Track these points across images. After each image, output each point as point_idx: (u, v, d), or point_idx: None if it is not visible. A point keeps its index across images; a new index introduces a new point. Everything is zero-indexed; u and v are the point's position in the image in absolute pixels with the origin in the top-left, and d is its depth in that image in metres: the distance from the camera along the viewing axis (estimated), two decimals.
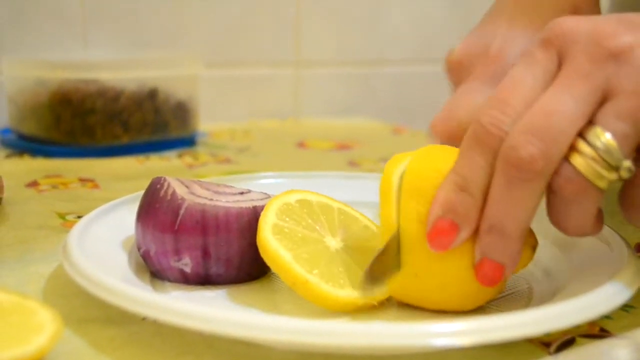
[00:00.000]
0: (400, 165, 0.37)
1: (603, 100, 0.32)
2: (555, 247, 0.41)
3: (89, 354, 0.32)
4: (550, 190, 0.33)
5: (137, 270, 0.40)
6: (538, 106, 0.32)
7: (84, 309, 0.37)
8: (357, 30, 1.05)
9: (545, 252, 0.40)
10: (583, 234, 0.34)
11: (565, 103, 0.32)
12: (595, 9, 0.51)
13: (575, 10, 0.49)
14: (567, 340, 0.34)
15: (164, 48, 0.97)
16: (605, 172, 0.32)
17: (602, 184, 0.32)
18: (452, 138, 0.42)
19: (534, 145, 0.31)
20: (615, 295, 0.32)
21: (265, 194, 0.42)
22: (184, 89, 0.80)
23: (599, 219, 0.34)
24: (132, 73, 0.76)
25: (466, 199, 0.33)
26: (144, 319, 0.35)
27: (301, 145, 0.84)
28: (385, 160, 0.49)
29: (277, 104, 1.04)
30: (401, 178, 0.36)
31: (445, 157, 0.36)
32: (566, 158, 0.32)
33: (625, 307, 0.37)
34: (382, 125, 0.98)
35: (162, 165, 0.73)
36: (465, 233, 0.34)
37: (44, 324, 0.28)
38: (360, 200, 0.45)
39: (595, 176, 0.32)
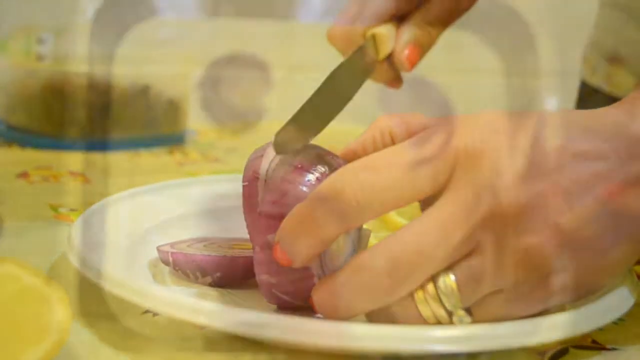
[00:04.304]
0: None
1: (471, 251, 0.31)
2: None
3: (88, 347, 0.32)
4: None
5: (138, 265, 0.40)
6: (411, 236, 0.31)
7: (82, 303, 0.37)
8: None
9: None
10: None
11: (437, 247, 0.31)
12: None
13: None
14: (560, 350, 0.34)
15: (153, 45, 0.97)
16: (439, 312, 0.32)
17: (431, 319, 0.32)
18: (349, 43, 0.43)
19: (391, 277, 0.31)
20: (610, 309, 0.33)
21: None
22: (176, 86, 0.80)
23: None
24: (125, 68, 0.76)
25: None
26: (145, 312, 0.36)
27: None
28: None
29: (267, 107, 1.04)
30: None
31: None
32: None
33: (616, 320, 0.37)
34: None
35: (152, 161, 0.73)
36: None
37: (53, 327, 0.28)
38: None
39: (429, 315, 0.32)
